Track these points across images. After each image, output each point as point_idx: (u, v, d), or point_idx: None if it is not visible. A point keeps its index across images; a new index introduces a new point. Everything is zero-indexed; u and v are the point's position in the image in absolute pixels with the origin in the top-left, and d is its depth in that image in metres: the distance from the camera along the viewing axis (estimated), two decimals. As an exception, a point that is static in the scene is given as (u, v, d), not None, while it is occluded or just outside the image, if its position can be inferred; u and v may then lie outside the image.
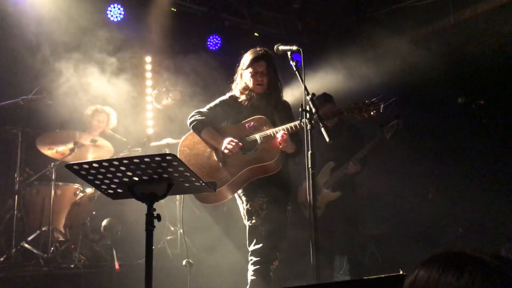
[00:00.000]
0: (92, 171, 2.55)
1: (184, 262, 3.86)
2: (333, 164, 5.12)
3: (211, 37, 7.58)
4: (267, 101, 3.71)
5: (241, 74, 3.76)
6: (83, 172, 2.57)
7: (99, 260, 4.80)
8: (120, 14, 6.64)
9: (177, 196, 5.76)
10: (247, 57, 3.74)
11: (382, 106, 3.37)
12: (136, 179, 2.59)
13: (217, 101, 3.82)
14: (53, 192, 5.03)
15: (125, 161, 2.49)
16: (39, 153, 5.31)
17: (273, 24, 8.10)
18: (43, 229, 5.04)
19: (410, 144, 6.14)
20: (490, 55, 6.00)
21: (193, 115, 3.70)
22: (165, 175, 2.56)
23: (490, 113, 4.47)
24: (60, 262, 4.81)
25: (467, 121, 5.30)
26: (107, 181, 2.64)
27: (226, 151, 3.50)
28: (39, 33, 5.95)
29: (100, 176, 2.59)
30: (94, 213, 4.86)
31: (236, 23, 7.82)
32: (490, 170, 5.74)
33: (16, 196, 4.80)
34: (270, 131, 3.51)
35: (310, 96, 3.14)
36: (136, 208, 4.71)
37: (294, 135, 3.59)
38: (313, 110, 3.09)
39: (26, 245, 4.80)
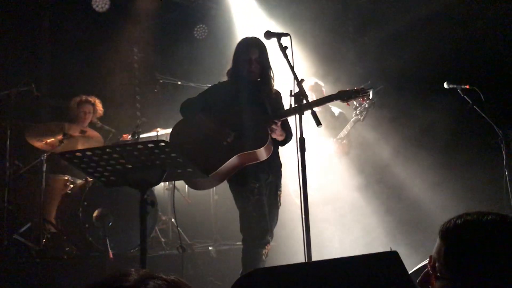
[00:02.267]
0: (85, 159, 2.58)
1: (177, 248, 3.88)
2: None
3: (198, 27, 7.57)
4: (259, 89, 3.75)
5: (234, 61, 3.79)
6: (76, 161, 2.60)
7: (92, 250, 4.81)
8: (105, 4, 6.58)
9: (168, 185, 5.80)
10: (240, 44, 3.79)
11: (371, 92, 3.42)
12: (129, 166, 2.62)
13: (208, 89, 3.86)
14: (43, 183, 5.03)
15: (118, 149, 2.52)
16: (28, 145, 5.29)
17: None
18: (35, 221, 5.04)
19: (396, 132, 6.20)
20: (475, 40, 6.09)
21: (184, 103, 3.74)
22: (158, 162, 2.60)
23: (476, 97, 4.55)
24: (52, 253, 4.81)
25: (454, 106, 5.37)
26: (100, 169, 2.67)
27: (219, 137, 3.53)
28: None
29: (93, 164, 2.62)
30: (85, 203, 4.85)
31: (223, 12, 7.81)
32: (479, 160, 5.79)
33: (6, 188, 4.78)
34: (260, 119, 3.54)
35: (300, 81, 3.18)
36: (128, 197, 4.73)
37: (284, 123, 3.63)
38: (303, 96, 3.13)
39: (18, 238, 4.79)
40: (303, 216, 2.97)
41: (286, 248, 5.26)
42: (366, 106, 4.93)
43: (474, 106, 4.45)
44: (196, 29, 7.54)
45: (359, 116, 4.97)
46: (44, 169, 5.04)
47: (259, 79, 3.78)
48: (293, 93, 3.17)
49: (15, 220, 4.88)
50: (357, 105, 4.84)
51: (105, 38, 6.89)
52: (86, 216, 4.80)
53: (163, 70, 6.71)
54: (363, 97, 3.45)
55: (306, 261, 2.85)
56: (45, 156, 5.08)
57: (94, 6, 6.52)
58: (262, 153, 3.51)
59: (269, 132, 3.50)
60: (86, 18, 6.82)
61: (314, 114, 3.08)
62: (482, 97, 4.50)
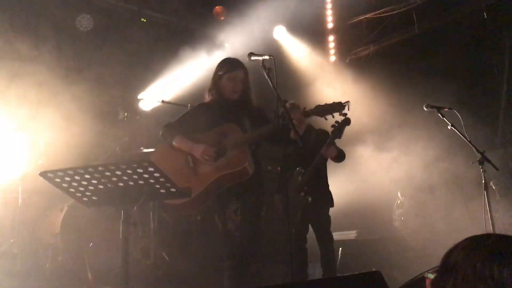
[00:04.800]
0: (66, 179, 2.55)
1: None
2: (301, 170, 5.16)
3: (181, 47, 7.58)
4: (239, 109, 3.76)
5: (215, 82, 3.80)
6: (57, 180, 2.56)
7: (71, 271, 4.72)
8: (89, 24, 6.58)
9: (150, 205, 5.73)
10: (224, 65, 3.81)
11: (348, 105, 3.46)
12: (112, 186, 2.60)
13: (188, 110, 3.86)
14: (20, 202, 4.95)
15: (100, 168, 2.49)
16: None
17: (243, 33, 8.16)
18: (12, 241, 4.94)
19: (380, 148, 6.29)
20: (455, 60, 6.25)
21: (163, 127, 3.74)
22: (141, 182, 2.57)
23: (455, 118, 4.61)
24: (32, 275, 4.72)
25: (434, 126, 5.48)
26: (81, 189, 2.63)
27: (205, 157, 3.52)
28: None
29: (74, 184, 2.59)
30: (65, 224, 4.79)
31: (206, 33, 7.86)
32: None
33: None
34: (239, 138, 3.54)
35: (282, 102, 3.21)
36: (109, 218, 4.67)
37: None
38: (286, 115, 3.17)
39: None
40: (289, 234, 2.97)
41: (272, 267, 5.23)
42: (344, 124, 4.83)
43: (454, 128, 4.50)
44: (180, 49, 7.55)
45: (337, 135, 4.84)
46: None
47: (239, 99, 3.79)
48: (276, 113, 3.19)
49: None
50: (335, 124, 4.70)
51: (86, 57, 6.84)
52: (65, 237, 4.72)
53: (146, 90, 6.70)
54: (340, 111, 3.48)
55: (292, 281, 2.84)
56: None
57: (78, 26, 6.51)
58: (243, 172, 3.50)
59: (248, 151, 3.50)
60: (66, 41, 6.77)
61: (296, 133, 3.11)
62: (461, 119, 4.56)
